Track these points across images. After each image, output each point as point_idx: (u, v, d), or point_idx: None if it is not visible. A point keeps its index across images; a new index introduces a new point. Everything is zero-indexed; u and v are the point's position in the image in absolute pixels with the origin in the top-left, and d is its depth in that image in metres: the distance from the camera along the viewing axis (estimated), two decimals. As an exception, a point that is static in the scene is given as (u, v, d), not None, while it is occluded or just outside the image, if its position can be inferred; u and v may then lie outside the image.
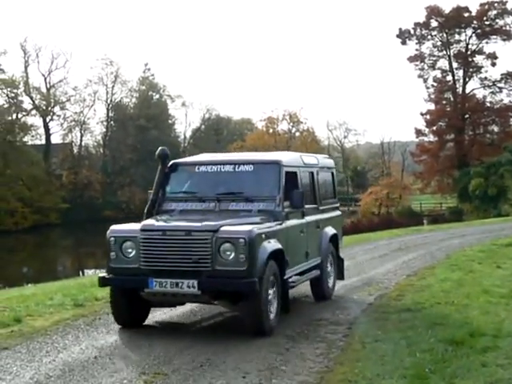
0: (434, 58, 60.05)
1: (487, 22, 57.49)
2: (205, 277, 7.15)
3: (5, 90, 61.41)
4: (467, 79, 58.94)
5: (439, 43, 59.74)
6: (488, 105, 58.88)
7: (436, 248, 17.58)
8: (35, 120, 66.29)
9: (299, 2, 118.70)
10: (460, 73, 59.14)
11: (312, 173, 9.52)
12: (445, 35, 58.91)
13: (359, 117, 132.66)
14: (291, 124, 69.01)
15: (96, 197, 65.56)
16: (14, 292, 12.62)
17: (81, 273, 29.50)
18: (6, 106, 61.99)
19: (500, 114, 57.49)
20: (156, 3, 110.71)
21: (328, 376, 6.11)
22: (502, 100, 58.52)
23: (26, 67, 65.16)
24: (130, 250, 7.50)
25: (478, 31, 57.84)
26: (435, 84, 59.80)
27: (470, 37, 58.35)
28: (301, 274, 8.78)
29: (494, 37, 57.46)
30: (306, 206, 8.86)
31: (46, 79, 66.40)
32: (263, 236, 7.41)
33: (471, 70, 58.78)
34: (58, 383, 5.92)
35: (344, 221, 39.19)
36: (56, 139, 69.78)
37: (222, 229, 7.25)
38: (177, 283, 7.22)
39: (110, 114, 71.54)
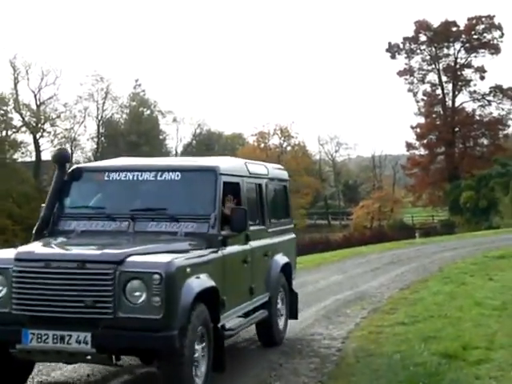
0: (424, 72, 60.44)
1: (475, 36, 57.95)
2: (103, 328, 5.16)
3: (-6, 107, 61.30)
4: (456, 93, 59.30)
5: (428, 57, 60.15)
6: (477, 118, 59.19)
7: (428, 261, 17.60)
8: (25, 137, 66.03)
9: (290, 16, 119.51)
10: (449, 86, 59.53)
11: (260, 185, 7.65)
12: (434, 49, 59.34)
13: (350, 131, 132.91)
14: (282, 138, 69.13)
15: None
16: None
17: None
18: (-5, 123, 61.83)
19: (489, 126, 57.82)
20: (146, 19, 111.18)
21: (322, 391, 6.09)
22: (491, 113, 58.87)
23: (15, 84, 64.98)
24: None
25: (467, 45, 58.28)
26: (425, 98, 60.14)
27: (459, 51, 58.80)
28: (244, 315, 6.99)
29: (483, 51, 57.89)
30: (251, 228, 7.03)
31: (35, 96, 66.24)
32: (188, 270, 5.46)
33: (460, 83, 59.16)
34: None
35: (336, 235, 39.14)
36: (46, 156, 69.62)
37: (130, 259, 5.26)
38: (62, 337, 5.16)
39: (101, 131, 71.48)
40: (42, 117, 65.73)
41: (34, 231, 6.39)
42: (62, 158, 6.80)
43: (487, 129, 58.11)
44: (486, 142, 59.47)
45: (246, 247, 6.91)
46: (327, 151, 76.53)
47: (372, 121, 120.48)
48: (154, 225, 6.20)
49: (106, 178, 6.61)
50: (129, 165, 6.94)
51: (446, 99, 59.32)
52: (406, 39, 59.57)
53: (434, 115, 60.12)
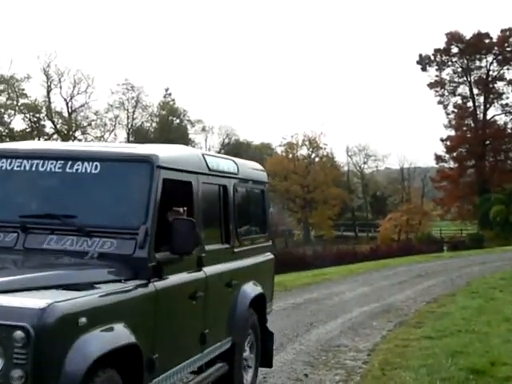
0: (455, 84, 60.02)
1: (508, 49, 57.41)
2: None
3: (27, 115, 62.43)
4: (488, 105, 58.76)
5: (460, 69, 59.72)
6: (509, 131, 58.60)
7: (456, 275, 17.44)
8: (57, 144, 67.15)
9: (322, 27, 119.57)
10: (481, 99, 59.03)
11: (224, 187, 5.63)
12: (465, 61, 58.89)
13: (379, 142, 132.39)
14: (311, 149, 69.06)
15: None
16: None
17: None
18: (28, 130, 62.92)
19: (521, 140, 57.23)
20: (179, 29, 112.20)
21: (347, 403, 6.08)
22: (523, 126, 58.28)
23: (48, 92, 66.07)
24: None
25: (499, 57, 57.75)
26: (455, 110, 59.69)
27: (491, 63, 58.30)
28: (194, 372, 5.11)
29: (516, 63, 57.38)
30: (208, 247, 5.07)
31: (67, 104, 67.27)
32: (83, 319, 3.40)
33: (492, 96, 58.62)
34: None
35: (366, 247, 38.11)
36: (77, 163, 70.57)
37: None
38: None
39: (131, 139, 72.18)
40: (74, 124, 66.72)
41: None
42: None
43: (519, 142, 57.48)
44: (517, 155, 58.82)
45: (198, 276, 4.89)
46: (355, 162, 76.30)
47: (401, 132, 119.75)
48: (53, 240, 4.22)
49: None
50: (29, 149, 4.74)
51: (477, 112, 58.79)
52: (437, 51, 59.23)
53: (464, 128, 59.62)
